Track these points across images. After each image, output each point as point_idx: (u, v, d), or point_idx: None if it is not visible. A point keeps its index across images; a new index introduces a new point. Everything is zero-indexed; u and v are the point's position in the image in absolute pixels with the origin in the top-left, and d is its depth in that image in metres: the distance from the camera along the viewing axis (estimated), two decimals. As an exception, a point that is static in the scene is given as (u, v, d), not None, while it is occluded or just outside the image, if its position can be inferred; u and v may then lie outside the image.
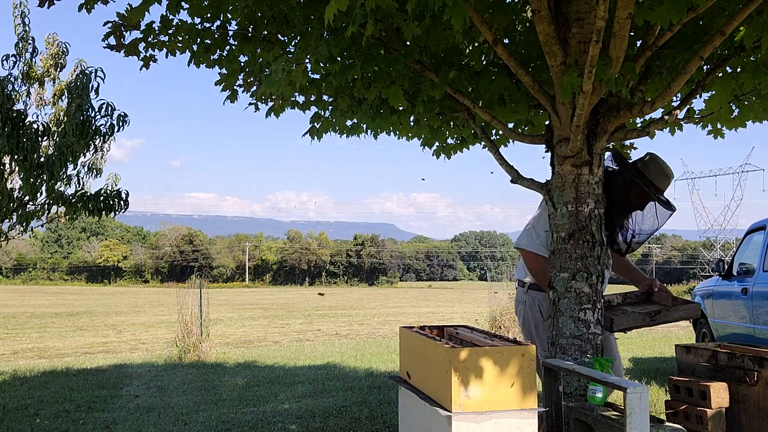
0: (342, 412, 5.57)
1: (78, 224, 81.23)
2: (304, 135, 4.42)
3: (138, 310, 27.33)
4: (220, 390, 6.91)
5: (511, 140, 4.62)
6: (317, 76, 4.12)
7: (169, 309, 21.06)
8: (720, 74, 4.00)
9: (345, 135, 4.63)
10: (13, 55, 6.24)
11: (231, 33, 3.94)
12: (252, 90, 4.31)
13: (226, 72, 4.16)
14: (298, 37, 3.87)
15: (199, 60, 3.99)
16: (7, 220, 6.20)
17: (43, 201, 6.27)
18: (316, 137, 4.41)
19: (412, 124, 4.61)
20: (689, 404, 3.22)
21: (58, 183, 6.07)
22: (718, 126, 4.38)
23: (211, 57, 3.99)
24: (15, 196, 6.12)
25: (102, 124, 6.14)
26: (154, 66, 4.08)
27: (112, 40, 3.83)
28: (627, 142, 4.75)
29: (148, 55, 3.99)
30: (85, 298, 40.15)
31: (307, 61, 3.34)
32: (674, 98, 4.18)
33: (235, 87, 4.29)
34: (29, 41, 6.29)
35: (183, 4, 3.72)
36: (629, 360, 8.93)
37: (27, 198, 6.20)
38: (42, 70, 6.50)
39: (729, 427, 3.12)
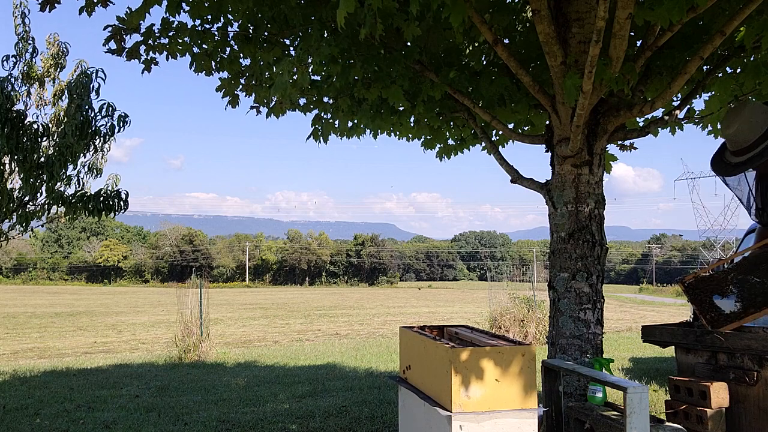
0: (342, 412, 5.57)
1: (78, 224, 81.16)
2: (308, 138, 4.42)
3: (138, 310, 27.33)
4: (220, 390, 6.91)
5: (511, 140, 4.62)
6: (318, 78, 4.13)
7: (169, 309, 21.07)
8: (720, 74, 4.00)
9: (346, 137, 4.64)
10: (13, 56, 6.23)
11: (231, 35, 3.94)
12: (254, 94, 4.32)
13: (227, 76, 4.17)
14: (299, 38, 3.87)
15: (200, 64, 3.99)
16: (7, 220, 6.20)
17: (43, 201, 6.27)
18: (321, 140, 4.41)
19: (412, 124, 4.62)
20: (689, 404, 3.22)
21: (58, 183, 6.07)
22: (718, 126, 4.39)
23: (213, 61, 4.00)
24: (15, 196, 6.11)
25: (102, 125, 6.14)
26: (155, 65, 4.08)
27: (112, 45, 3.83)
28: (627, 142, 4.75)
29: (149, 58, 3.99)
30: (85, 298, 40.14)
31: (309, 61, 3.35)
32: (674, 98, 4.19)
33: (236, 92, 4.29)
34: (29, 41, 6.29)
35: (183, 6, 3.72)
36: (629, 360, 8.94)
37: (27, 198, 6.19)
38: (42, 70, 6.50)
39: (729, 427, 3.12)
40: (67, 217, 6.45)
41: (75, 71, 6.35)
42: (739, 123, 3.18)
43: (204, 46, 3.92)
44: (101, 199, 6.12)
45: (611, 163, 4.55)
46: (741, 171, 3.27)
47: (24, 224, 6.27)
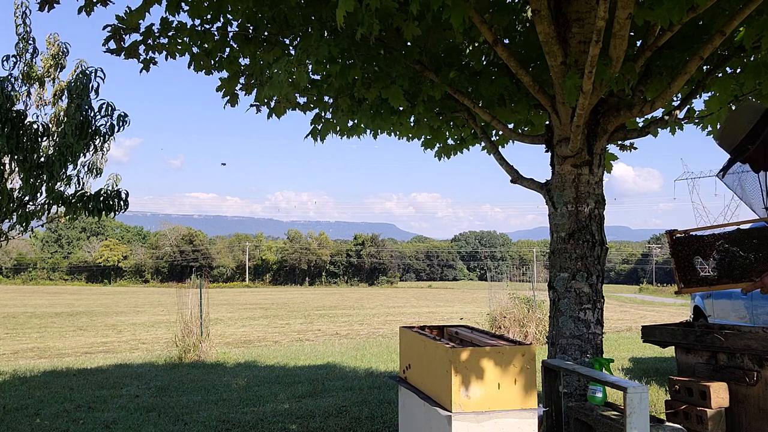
0: (342, 412, 5.57)
1: (78, 224, 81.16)
2: (306, 137, 4.42)
3: (138, 310, 27.33)
4: (220, 390, 6.91)
5: (511, 140, 4.62)
6: (318, 77, 4.13)
7: (169, 309, 21.07)
8: (720, 74, 4.00)
9: (346, 136, 4.64)
10: (13, 56, 6.23)
11: (231, 34, 3.94)
12: (253, 93, 4.31)
13: (227, 75, 4.16)
14: (299, 38, 3.87)
15: (200, 64, 3.98)
16: (7, 220, 6.20)
17: (43, 201, 6.27)
18: (319, 139, 4.41)
19: (412, 124, 4.62)
20: (689, 404, 3.22)
21: (58, 183, 6.07)
22: (718, 126, 4.39)
23: (212, 60, 3.99)
24: (15, 196, 6.11)
25: (102, 125, 6.14)
26: (153, 65, 4.08)
27: (112, 45, 3.83)
28: (627, 142, 4.75)
29: (148, 57, 3.99)
30: (85, 298, 40.15)
31: (308, 61, 3.35)
32: (674, 98, 4.19)
33: (236, 91, 4.29)
34: (30, 41, 6.29)
35: (183, 5, 3.72)
36: (629, 360, 8.93)
37: (27, 198, 6.19)
38: (42, 70, 6.50)
39: (729, 427, 3.12)
40: (67, 217, 6.45)
41: (75, 71, 6.35)
42: (726, 125, 3.20)
43: (205, 45, 3.92)
44: (101, 199, 6.12)
45: (611, 162, 4.56)
46: (728, 169, 3.29)
47: (24, 224, 6.27)
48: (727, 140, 3.08)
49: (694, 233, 3.34)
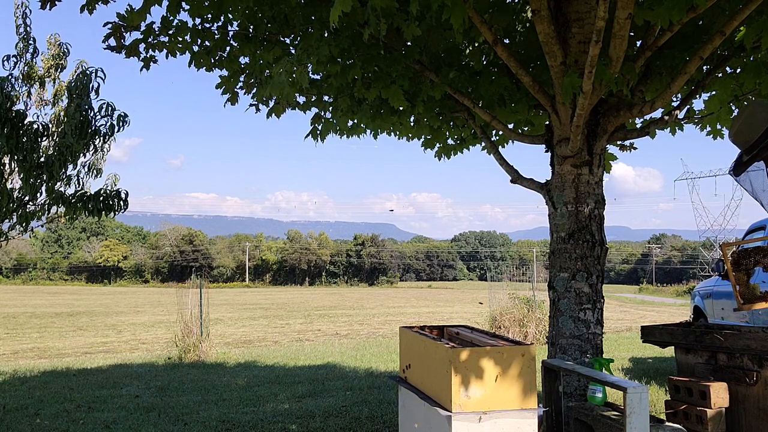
0: (342, 412, 5.57)
1: (78, 224, 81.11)
2: (306, 137, 4.42)
3: (138, 310, 27.33)
4: (220, 390, 6.91)
5: (511, 140, 4.62)
6: (318, 77, 4.13)
7: (169, 309, 21.07)
8: (720, 74, 4.00)
9: (346, 136, 4.64)
10: (13, 56, 6.23)
11: (231, 34, 3.95)
12: (253, 92, 4.32)
13: (226, 74, 4.17)
14: (299, 38, 3.88)
15: (200, 62, 3.99)
16: (7, 220, 6.19)
17: (43, 201, 6.27)
18: (319, 139, 4.41)
19: (412, 124, 4.62)
20: (689, 404, 3.22)
21: (58, 183, 6.07)
22: (718, 126, 4.39)
23: (212, 59, 4.00)
24: (15, 196, 6.11)
25: (102, 125, 6.14)
26: (154, 63, 4.08)
27: (112, 42, 3.83)
28: (627, 142, 4.75)
29: (148, 56, 3.99)
30: (85, 298, 40.14)
31: (309, 60, 3.35)
32: (674, 98, 4.19)
33: (236, 90, 4.29)
34: (30, 41, 6.29)
35: (183, 5, 3.72)
36: (629, 360, 8.93)
37: (27, 198, 6.19)
38: (43, 70, 6.50)
39: (729, 427, 3.12)
40: (67, 217, 6.44)
41: (75, 71, 6.34)
42: (740, 123, 3.16)
43: (205, 43, 3.92)
44: (101, 199, 6.11)
45: (611, 163, 4.55)
46: (746, 167, 3.23)
47: (24, 224, 6.26)
48: (741, 137, 3.06)
49: (747, 246, 3.16)
